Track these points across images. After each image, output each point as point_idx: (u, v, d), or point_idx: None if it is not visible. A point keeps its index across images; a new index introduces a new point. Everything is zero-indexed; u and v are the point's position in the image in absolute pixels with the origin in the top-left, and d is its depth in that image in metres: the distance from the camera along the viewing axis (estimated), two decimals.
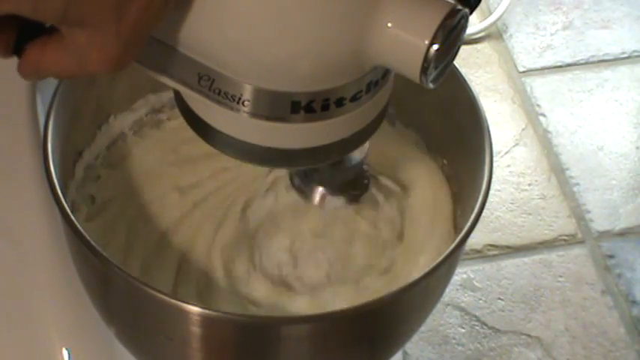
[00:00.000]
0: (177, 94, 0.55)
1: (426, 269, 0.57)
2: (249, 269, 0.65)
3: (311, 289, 0.64)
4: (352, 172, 0.64)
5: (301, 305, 0.63)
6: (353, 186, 0.65)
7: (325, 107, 0.51)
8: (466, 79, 0.64)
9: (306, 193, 0.65)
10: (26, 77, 0.52)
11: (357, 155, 0.63)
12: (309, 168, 0.63)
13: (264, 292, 0.64)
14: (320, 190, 0.64)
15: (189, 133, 0.56)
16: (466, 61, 1.12)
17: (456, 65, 0.58)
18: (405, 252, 0.66)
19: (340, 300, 0.63)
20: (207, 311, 0.55)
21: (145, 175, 0.70)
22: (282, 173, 0.66)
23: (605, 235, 0.99)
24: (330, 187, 0.64)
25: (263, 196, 0.67)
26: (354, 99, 0.52)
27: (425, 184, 0.69)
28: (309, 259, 0.65)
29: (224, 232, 0.66)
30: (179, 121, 0.60)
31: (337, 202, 0.65)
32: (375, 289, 0.64)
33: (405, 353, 0.89)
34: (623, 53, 1.15)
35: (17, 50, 0.50)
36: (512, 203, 1.01)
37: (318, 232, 0.65)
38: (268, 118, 0.51)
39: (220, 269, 0.65)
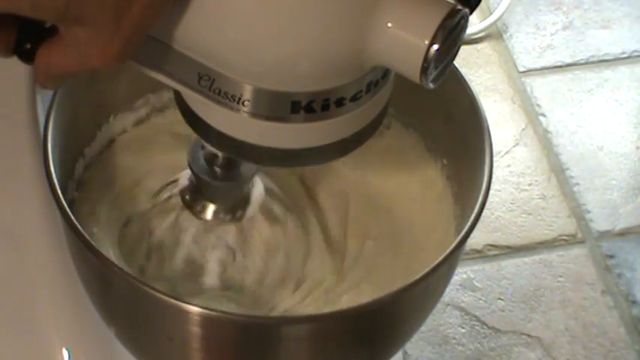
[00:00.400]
0: (177, 93, 0.55)
1: (426, 269, 0.57)
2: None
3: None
4: (245, 188, 0.63)
5: None
6: (243, 204, 0.64)
7: (325, 107, 0.51)
8: (466, 79, 0.64)
9: (196, 209, 0.63)
10: (43, 85, 0.51)
11: (252, 170, 0.62)
12: (202, 184, 0.62)
13: None
14: (211, 207, 0.63)
15: None
16: (466, 61, 1.12)
17: (456, 65, 0.58)
18: (404, 252, 0.66)
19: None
20: (207, 311, 0.55)
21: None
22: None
23: (605, 235, 0.99)
24: (221, 203, 0.63)
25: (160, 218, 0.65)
26: (354, 99, 0.52)
27: (425, 184, 0.69)
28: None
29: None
30: None
31: (226, 217, 0.63)
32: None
33: (405, 353, 0.89)
34: (623, 53, 1.15)
35: (17, 50, 0.50)
36: (512, 203, 1.01)
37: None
38: (268, 118, 0.51)
39: None
